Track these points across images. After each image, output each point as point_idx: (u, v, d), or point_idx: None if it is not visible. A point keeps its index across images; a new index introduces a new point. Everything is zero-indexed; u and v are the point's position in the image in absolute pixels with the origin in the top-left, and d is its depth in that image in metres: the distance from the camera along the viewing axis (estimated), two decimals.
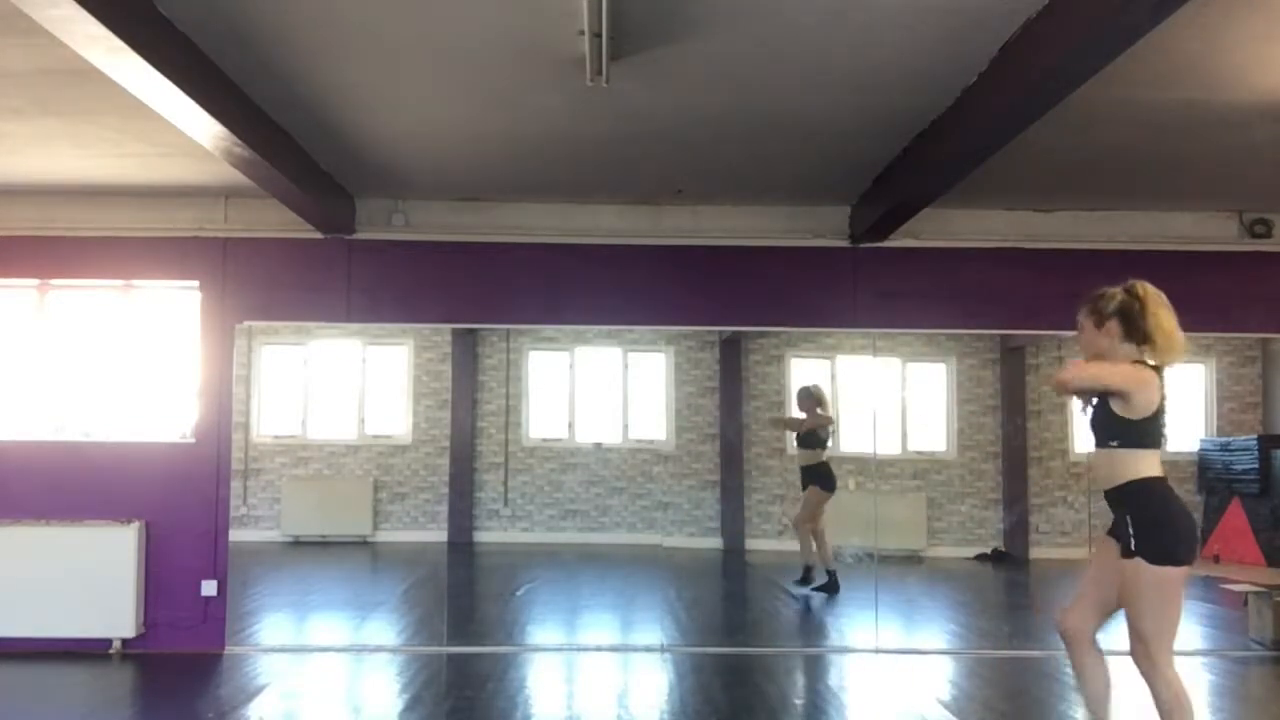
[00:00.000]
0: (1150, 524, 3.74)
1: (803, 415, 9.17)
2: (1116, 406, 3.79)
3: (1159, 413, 3.78)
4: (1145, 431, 3.78)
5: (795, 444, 9.40)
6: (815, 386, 9.25)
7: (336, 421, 10.11)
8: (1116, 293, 3.95)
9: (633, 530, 10.25)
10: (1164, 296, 3.90)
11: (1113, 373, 3.81)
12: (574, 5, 3.91)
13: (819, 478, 8.90)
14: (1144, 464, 3.78)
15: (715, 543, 10.21)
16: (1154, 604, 3.76)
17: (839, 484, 9.07)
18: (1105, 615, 4.00)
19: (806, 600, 8.71)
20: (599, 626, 8.28)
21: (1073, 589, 4.14)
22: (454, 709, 5.51)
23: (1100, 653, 4.05)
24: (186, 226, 7.14)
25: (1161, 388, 3.79)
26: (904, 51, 4.47)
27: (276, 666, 6.54)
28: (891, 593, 8.49)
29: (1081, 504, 10.19)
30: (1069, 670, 6.68)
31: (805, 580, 8.80)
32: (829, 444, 9.11)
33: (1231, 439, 10.42)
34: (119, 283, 7.35)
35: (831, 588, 8.61)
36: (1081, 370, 3.91)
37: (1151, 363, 3.87)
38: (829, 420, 9.17)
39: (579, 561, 10.15)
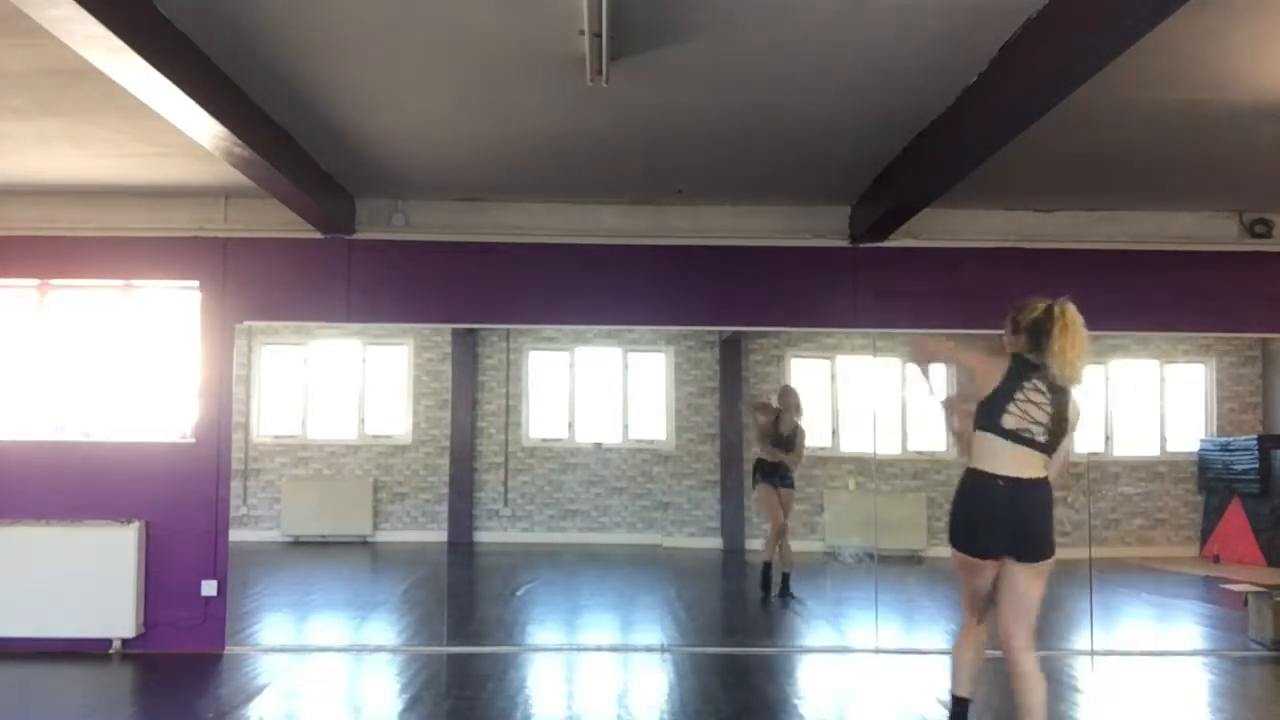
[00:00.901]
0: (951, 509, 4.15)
1: (778, 408, 9.09)
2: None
3: (999, 396, 4.02)
4: (982, 411, 4.06)
5: (770, 443, 9.05)
6: (796, 393, 9.25)
7: (336, 421, 10.10)
8: (1038, 307, 4.10)
9: (633, 530, 10.25)
10: (1080, 323, 4.05)
11: (960, 351, 4.41)
12: (574, 5, 3.91)
13: (788, 478, 8.86)
14: (977, 448, 4.06)
15: (715, 543, 10.20)
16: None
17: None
18: (1017, 611, 4.17)
19: (802, 600, 8.71)
20: (599, 626, 8.28)
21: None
22: (454, 709, 5.51)
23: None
24: (186, 226, 7.14)
25: (1020, 386, 4.03)
26: (904, 51, 4.47)
27: (276, 666, 6.54)
28: (891, 593, 8.48)
29: (1081, 504, 10.19)
30: (1069, 671, 6.71)
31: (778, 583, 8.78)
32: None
33: (1231, 439, 10.42)
34: (119, 283, 7.35)
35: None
36: (935, 339, 4.46)
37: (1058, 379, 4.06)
38: (799, 431, 8.99)
39: (579, 561, 10.14)
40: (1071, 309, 4.05)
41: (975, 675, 4.31)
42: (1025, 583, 4.11)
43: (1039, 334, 4.04)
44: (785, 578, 8.76)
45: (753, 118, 5.38)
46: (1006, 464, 3.98)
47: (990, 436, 4.02)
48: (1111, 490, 10.43)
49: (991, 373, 4.07)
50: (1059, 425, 4.04)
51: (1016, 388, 4.01)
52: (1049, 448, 4.05)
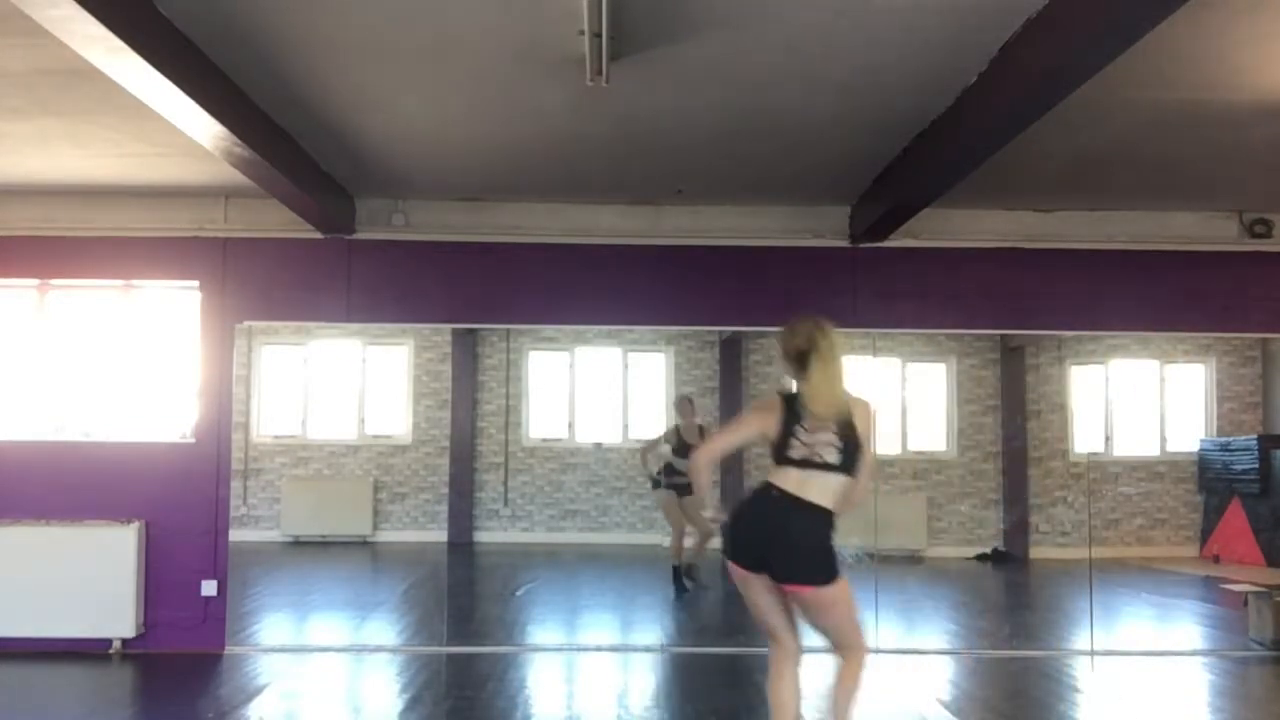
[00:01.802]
0: None
1: (680, 422, 8.97)
2: None
3: (781, 437, 3.91)
4: (774, 450, 3.94)
5: (673, 453, 8.88)
6: (690, 400, 9.18)
7: (336, 421, 10.09)
8: (798, 333, 3.97)
9: (633, 530, 10.23)
10: (837, 352, 3.95)
11: (732, 433, 4.19)
12: (574, 5, 3.91)
13: (687, 488, 8.80)
14: (772, 475, 3.94)
15: (714, 542, 10.19)
16: None
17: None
18: (830, 640, 4.31)
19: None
20: (599, 626, 8.28)
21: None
22: (454, 709, 5.51)
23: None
24: (186, 226, 7.14)
25: (794, 417, 3.90)
26: (904, 51, 4.47)
27: (276, 666, 6.54)
28: (891, 593, 8.48)
29: (1081, 504, 10.20)
30: (1069, 670, 6.71)
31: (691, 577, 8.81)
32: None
33: (1231, 439, 10.42)
34: (119, 283, 7.35)
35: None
36: (709, 447, 4.16)
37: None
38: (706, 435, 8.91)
39: (579, 561, 10.14)
40: (831, 336, 3.94)
41: (793, 716, 4.11)
42: (811, 613, 4.03)
43: (801, 364, 3.93)
44: (689, 568, 8.75)
45: (753, 118, 5.38)
46: (790, 482, 3.87)
47: (781, 467, 3.92)
48: (1111, 490, 10.44)
49: (766, 419, 3.97)
50: (850, 438, 3.89)
51: (795, 424, 3.90)
52: (846, 466, 3.88)
